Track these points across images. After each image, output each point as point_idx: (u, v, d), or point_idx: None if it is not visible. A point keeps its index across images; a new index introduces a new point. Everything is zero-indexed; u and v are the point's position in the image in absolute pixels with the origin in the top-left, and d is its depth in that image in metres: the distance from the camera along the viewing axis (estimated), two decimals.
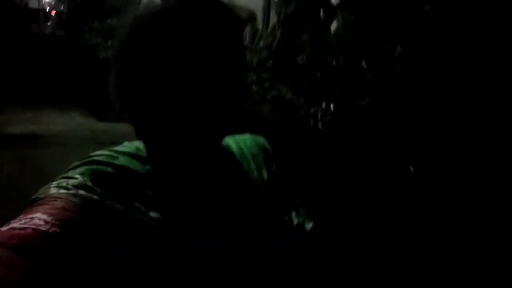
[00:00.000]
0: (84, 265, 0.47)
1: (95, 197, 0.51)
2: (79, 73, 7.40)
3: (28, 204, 0.50)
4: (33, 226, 0.44)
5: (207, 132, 0.56)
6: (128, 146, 0.64)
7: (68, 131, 5.30)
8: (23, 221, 0.45)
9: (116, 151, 0.61)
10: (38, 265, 0.42)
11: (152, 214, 0.56)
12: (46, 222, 0.45)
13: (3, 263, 0.40)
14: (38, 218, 0.45)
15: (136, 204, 0.55)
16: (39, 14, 13.77)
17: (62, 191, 0.50)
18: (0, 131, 4.93)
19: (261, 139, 0.76)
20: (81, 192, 0.51)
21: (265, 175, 0.70)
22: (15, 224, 0.45)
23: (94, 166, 0.56)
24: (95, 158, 0.59)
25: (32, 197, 0.51)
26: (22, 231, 0.43)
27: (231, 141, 0.72)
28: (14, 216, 0.49)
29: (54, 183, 0.52)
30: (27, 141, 4.68)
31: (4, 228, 0.44)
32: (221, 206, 0.62)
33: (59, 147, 4.44)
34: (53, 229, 0.45)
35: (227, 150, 0.70)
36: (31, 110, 6.30)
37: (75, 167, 0.57)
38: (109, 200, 0.53)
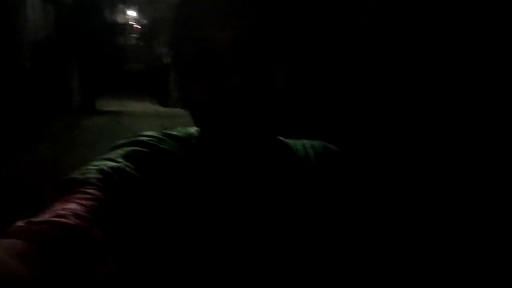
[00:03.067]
0: (113, 253, 0.47)
1: (130, 184, 0.52)
2: (151, 74, 10.49)
3: (67, 184, 0.51)
4: (63, 220, 0.44)
5: (256, 123, 0.55)
6: (180, 130, 0.65)
7: (140, 110, 8.31)
8: (55, 214, 0.45)
9: (165, 134, 0.62)
10: (52, 260, 0.41)
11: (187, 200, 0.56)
12: (77, 215, 0.45)
13: (19, 255, 0.39)
14: (70, 211, 0.46)
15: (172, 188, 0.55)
16: (125, 27, 16.08)
17: (100, 175, 0.51)
18: (101, 109, 8.07)
19: (334, 149, 0.72)
20: (118, 178, 0.52)
21: (332, 187, 0.66)
22: (47, 216, 0.45)
23: (137, 148, 0.57)
24: (141, 138, 0.59)
25: (72, 176, 0.52)
26: (50, 226, 0.43)
27: (298, 143, 0.70)
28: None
29: (95, 165, 0.53)
30: (116, 114, 7.74)
31: (35, 220, 0.44)
32: (255, 205, 0.60)
33: (134, 118, 7.39)
34: (82, 223, 0.45)
35: (287, 148, 0.68)
36: (117, 99, 9.40)
37: (120, 146, 0.58)
38: (145, 186, 0.53)
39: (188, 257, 0.55)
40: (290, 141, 0.70)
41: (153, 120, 7.35)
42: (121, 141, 0.59)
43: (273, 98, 0.57)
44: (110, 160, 0.54)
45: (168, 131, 0.64)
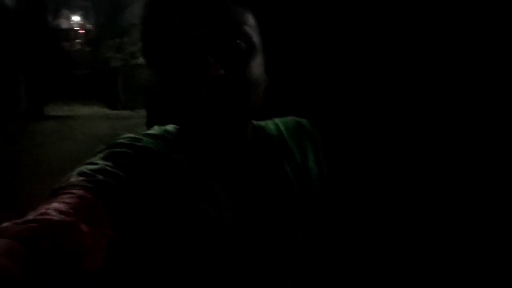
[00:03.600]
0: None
1: (112, 181, 0.54)
2: (98, 78, 10.67)
3: (52, 193, 0.52)
4: (47, 217, 0.45)
5: (233, 110, 0.56)
6: (157, 129, 0.67)
7: (89, 114, 8.55)
8: (39, 213, 0.46)
9: (142, 134, 0.64)
10: (40, 256, 0.42)
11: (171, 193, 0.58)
12: (60, 212, 0.46)
13: (7, 254, 0.40)
14: (53, 209, 0.47)
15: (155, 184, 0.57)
16: (69, 33, 15.92)
17: (81, 178, 0.53)
18: (49, 114, 8.26)
19: (306, 123, 0.74)
20: (100, 177, 0.53)
21: (311, 162, 0.69)
22: (31, 216, 0.46)
23: (116, 149, 0.59)
24: (119, 141, 0.62)
25: (56, 187, 0.53)
26: (35, 224, 0.44)
27: (270, 123, 0.72)
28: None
29: (76, 171, 0.55)
30: (64, 118, 7.97)
31: (19, 221, 0.45)
32: (244, 188, 0.62)
33: (83, 120, 7.65)
34: (67, 218, 0.46)
35: (261, 131, 0.69)
36: (66, 104, 9.53)
37: (100, 152, 0.60)
38: (128, 182, 0.55)
39: (172, 248, 0.56)
40: (262, 123, 0.72)
41: (103, 122, 7.62)
42: (101, 148, 0.61)
43: (252, 91, 0.58)
44: (90, 164, 0.57)
45: (145, 131, 0.66)
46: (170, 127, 0.68)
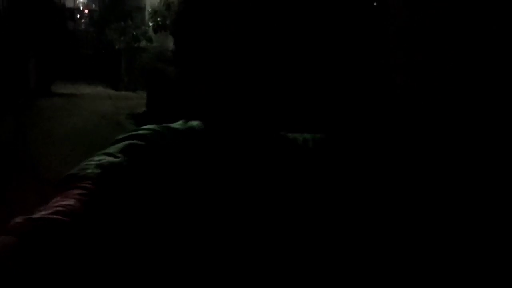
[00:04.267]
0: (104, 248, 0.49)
1: (128, 177, 0.54)
2: (102, 59, 11.23)
3: (67, 179, 0.53)
4: (60, 217, 0.46)
5: (261, 119, 0.55)
6: (182, 124, 0.66)
7: (93, 93, 9.15)
8: (53, 210, 0.47)
9: (164, 127, 0.64)
10: (36, 253, 0.42)
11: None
12: (73, 210, 0.47)
13: (13, 254, 0.41)
14: (65, 206, 0.48)
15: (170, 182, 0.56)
16: (74, 12, 16.00)
17: (97, 170, 0.53)
18: (55, 92, 8.85)
19: (334, 141, 0.72)
20: (116, 172, 0.53)
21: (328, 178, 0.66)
22: (45, 212, 0.47)
23: (135, 142, 0.58)
24: (140, 132, 0.61)
25: (72, 172, 0.53)
26: (42, 222, 0.45)
27: (298, 137, 0.70)
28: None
29: (95, 160, 0.55)
30: (70, 96, 8.57)
31: (34, 216, 0.46)
32: (257, 199, 0.60)
33: (88, 99, 8.26)
34: (75, 217, 0.46)
35: (286, 143, 0.68)
36: (71, 83, 10.12)
37: (120, 140, 0.60)
38: (143, 179, 0.54)
39: (187, 250, 0.55)
40: (291, 135, 0.70)
41: (106, 101, 8.23)
42: (121, 136, 0.61)
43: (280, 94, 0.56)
44: (109, 155, 0.57)
45: (169, 125, 0.64)
46: (195, 123, 0.66)
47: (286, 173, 0.65)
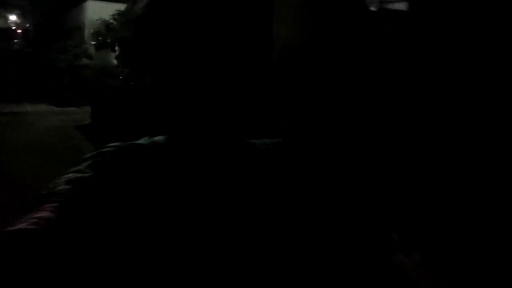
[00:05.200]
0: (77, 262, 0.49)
1: (98, 192, 0.56)
2: (43, 78, 11.71)
3: (39, 197, 0.54)
4: (32, 226, 0.48)
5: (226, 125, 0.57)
6: (146, 140, 0.67)
7: (38, 110, 9.67)
8: (29, 222, 0.49)
9: (129, 144, 0.66)
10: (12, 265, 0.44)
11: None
12: (46, 219, 0.49)
13: None
14: (40, 218, 0.49)
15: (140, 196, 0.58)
16: (7, 32, 16.39)
17: (68, 186, 0.55)
18: (2, 110, 9.30)
19: (292, 144, 0.76)
20: (86, 187, 0.56)
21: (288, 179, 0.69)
22: (20, 225, 0.48)
23: (102, 158, 0.61)
24: (105, 149, 0.64)
25: (42, 193, 0.55)
26: (18, 233, 0.47)
27: (258, 143, 0.72)
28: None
29: (64, 178, 0.57)
30: (16, 114, 9.05)
31: (11, 229, 0.48)
32: (224, 207, 0.62)
33: (34, 115, 8.80)
34: (51, 226, 0.48)
35: (249, 149, 0.69)
36: (13, 103, 10.53)
37: (87, 158, 0.62)
38: (114, 192, 0.57)
39: (154, 258, 0.56)
40: (252, 141, 0.73)
41: (52, 116, 8.81)
42: (88, 154, 0.63)
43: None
44: (78, 172, 0.59)
45: (134, 142, 0.67)
46: (158, 139, 0.68)
47: (252, 176, 0.67)
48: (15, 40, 16.78)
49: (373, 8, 2.22)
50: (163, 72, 0.59)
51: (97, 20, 8.99)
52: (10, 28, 16.95)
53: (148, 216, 0.59)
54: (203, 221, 0.61)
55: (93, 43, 8.92)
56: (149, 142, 0.68)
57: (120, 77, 6.86)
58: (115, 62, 8.72)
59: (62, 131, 7.23)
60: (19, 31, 16.95)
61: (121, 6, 8.90)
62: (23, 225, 0.49)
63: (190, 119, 0.59)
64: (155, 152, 0.65)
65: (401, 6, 2.04)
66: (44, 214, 0.51)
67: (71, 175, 0.59)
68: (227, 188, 0.64)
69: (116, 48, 8.15)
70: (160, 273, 0.57)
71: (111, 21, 8.36)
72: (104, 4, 10.57)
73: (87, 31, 10.83)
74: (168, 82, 0.59)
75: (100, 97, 7.07)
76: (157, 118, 0.64)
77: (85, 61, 10.65)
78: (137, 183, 0.60)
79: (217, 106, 0.58)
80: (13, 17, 17.51)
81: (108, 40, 8.22)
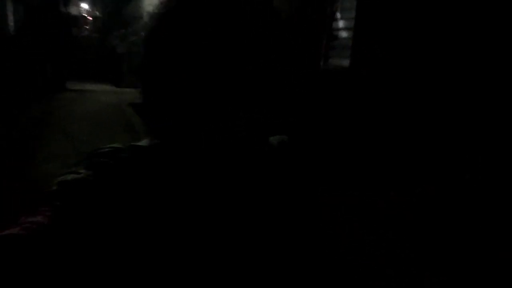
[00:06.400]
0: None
1: (92, 192, 0.57)
2: (106, 62, 13.39)
3: (35, 199, 0.56)
4: (23, 232, 0.50)
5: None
6: (146, 141, 0.67)
7: (100, 89, 11.37)
8: (18, 228, 0.51)
9: (129, 145, 0.66)
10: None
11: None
12: (38, 224, 0.51)
13: None
14: (32, 222, 0.52)
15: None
16: (79, 19, 17.47)
17: (61, 187, 0.57)
18: (70, 88, 11.04)
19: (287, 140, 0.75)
20: (80, 188, 0.57)
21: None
22: (12, 230, 0.51)
23: (98, 159, 0.62)
24: (102, 151, 0.65)
25: (39, 192, 0.57)
26: (8, 238, 0.49)
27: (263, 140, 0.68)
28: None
29: (60, 178, 0.59)
30: (82, 91, 10.80)
31: (2, 234, 0.50)
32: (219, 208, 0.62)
33: (96, 93, 10.47)
34: (42, 231, 0.50)
35: (249, 146, 0.63)
36: (80, 82, 12.29)
37: (85, 158, 0.64)
38: (108, 193, 0.57)
39: (149, 258, 0.56)
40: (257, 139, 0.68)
41: (111, 94, 10.38)
42: (86, 154, 0.65)
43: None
44: (73, 173, 0.61)
45: (134, 143, 0.67)
46: (159, 140, 0.66)
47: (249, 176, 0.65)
48: (86, 27, 18.15)
49: None
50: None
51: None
52: (81, 15, 18.17)
53: (143, 218, 0.58)
54: (198, 222, 0.60)
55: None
56: (149, 144, 0.67)
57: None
58: None
59: (118, 107, 8.71)
60: (90, 18, 18.25)
61: None
62: (15, 230, 0.51)
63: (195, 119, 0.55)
64: (154, 154, 0.64)
65: None
66: (37, 218, 0.53)
67: (66, 176, 0.60)
68: (223, 191, 0.62)
69: None
70: (156, 271, 0.57)
71: None
72: None
73: (144, 21, 12.21)
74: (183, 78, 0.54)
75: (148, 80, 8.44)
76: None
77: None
78: (133, 185, 0.60)
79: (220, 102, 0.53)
80: (84, 5, 19.09)
81: None
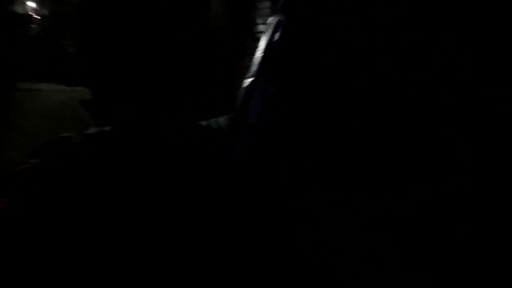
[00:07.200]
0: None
1: (41, 177, 0.56)
2: (55, 62, 13.74)
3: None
4: None
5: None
6: (93, 129, 0.66)
7: (50, 88, 11.79)
8: None
9: (77, 134, 0.64)
10: None
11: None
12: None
13: None
14: None
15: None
16: (25, 18, 15.91)
17: (11, 179, 0.58)
18: (20, 88, 11.33)
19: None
20: (28, 177, 0.56)
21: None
22: None
23: (46, 147, 0.61)
24: (51, 140, 0.63)
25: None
26: None
27: (212, 122, 0.71)
28: None
29: (10, 170, 0.58)
30: (33, 90, 11.20)
31: None
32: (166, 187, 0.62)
33: (46, 92, 10.97)
34: None
35: (199, 129, 0.66)
36: (28, 82, 12.50)
37: (37, 148, 0.61)
38: (56, 175, 0.56)
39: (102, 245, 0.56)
40: (205, 122, 0.74)
41: (62, 93, 10.87)
42: (41, 143, 0.62)
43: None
44: (22, 163, 0.62)
45: (85, 131, 0.65)
46: (107, 128, 0.66)
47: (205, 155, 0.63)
48: (32, 26, 16.75)
49: None
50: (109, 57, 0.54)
51: None
52: (27, 14, 16.55)
53: (91, 203, 0.58)
54: (143, 206, 0.59)
55: None
56: (97, 131, 0.64)
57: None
58: None
59: (68, 104, 9.30)
60: (37, 17, 16.78)
61: None
62: None
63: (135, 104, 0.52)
64: (102, 140, 0.63)
65: None
66: None
67: (20, 166, 0.58)
68: (167, 170, 0.60)
69: None
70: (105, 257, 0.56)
71: None
72: None
73: None
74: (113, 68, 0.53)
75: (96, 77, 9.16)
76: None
77: None
78: (81, 171, 0.59)
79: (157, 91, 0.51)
80: (31, 4, 18.87)
81: None
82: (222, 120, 0.77)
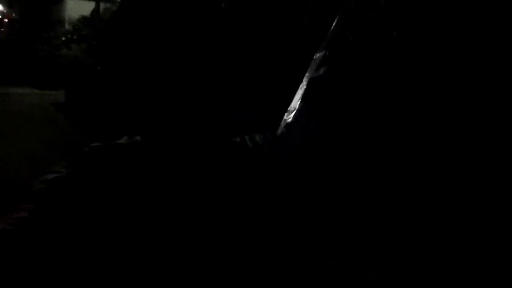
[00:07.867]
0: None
1: (73, 189, 0.57)
2: (27, 65, 13.52)
3: (17, 197, 0.53)
4: (11, 227, 0.51)
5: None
6: (126, 139, 0.68)
7: (23, 92, 11.62)
8: (5, 223, 0.51)
9: (109, 144, 0.67)
10: None
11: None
12: (23, 219, 0.52)
13: None
14: (17, 218, 0.53)
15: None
16: None
17: (42, 186, 0.58)
18: None
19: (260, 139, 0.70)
20: (61, 186, 0.57)
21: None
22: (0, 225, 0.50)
23: (79, 158, 0.63)
24: (84, 149, 0.64)
25: (32, 189, 0.57)
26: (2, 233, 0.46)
27: (247, 138, 0.69)
28: None
29: (42, 178, 0.59)
30: (4, 94, 10.99)
31: None
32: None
33: (19, 95, 10.77)
34: (27, 225, 0.51)
35: (230, 146, 0.66)
36: (1, 86, 12.37)
37: (64, 159, 0.64)
38: (88, 189, 0.58)
39: (124, 249, 0.56)
40: (238, 139, 0.73)
41: (34, 96, 10.75)
42: (69, 152, 0.64)
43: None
44: (54, 172, 0.62)
45: (115, 141, 0.67)
46: (138, 138, 0.68)
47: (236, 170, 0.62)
48: (1, 29, 17.48)
49: None
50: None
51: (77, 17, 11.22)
52: None
53: (122, 213, 0.59)
54: (174, 217, 0.59)
55: (75, 37, 10.96)
56: (128, 141, 0.67)
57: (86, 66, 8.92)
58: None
59: (41, 107, 9.17)
60: (6, 20, 17.67)
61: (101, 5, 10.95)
62: (1, 226, 0.52)
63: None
64: (133, 152, 0.65)
65: None
66: (21, 214, 0.54)
67: (47, 175, 0.60)
68: (196, 186, 0.61)
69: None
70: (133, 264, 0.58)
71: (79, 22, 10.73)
72: (82, 3, 12.47)
73: (67, 26, 12.71)
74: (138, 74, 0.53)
75: (72, 81, 9.10)
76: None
77: (64, 52, 12.47)
78: (111, 182, 0.61)
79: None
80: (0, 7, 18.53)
81: (75, 37, 10.87)
82: (258, 138, 0.76)
